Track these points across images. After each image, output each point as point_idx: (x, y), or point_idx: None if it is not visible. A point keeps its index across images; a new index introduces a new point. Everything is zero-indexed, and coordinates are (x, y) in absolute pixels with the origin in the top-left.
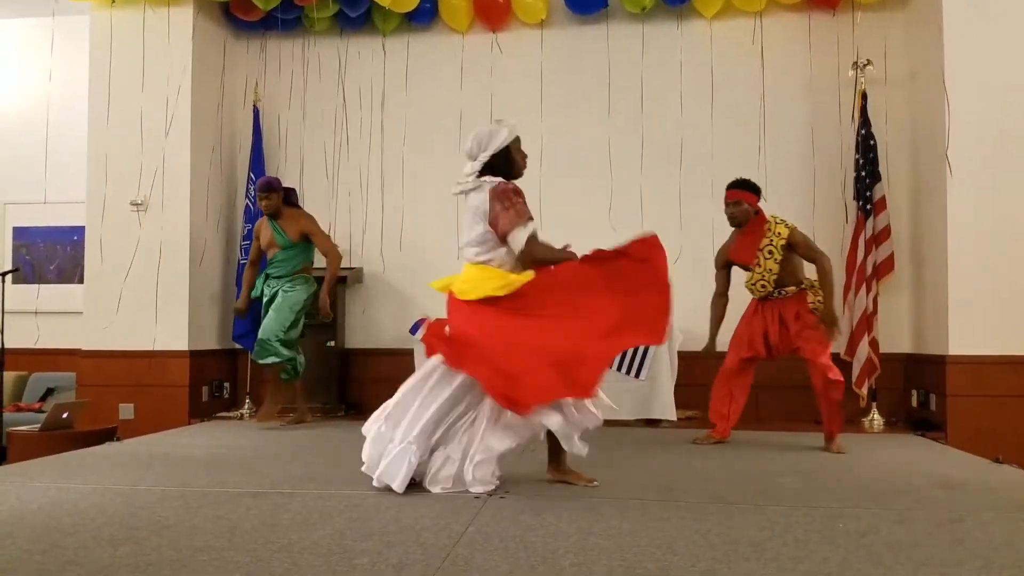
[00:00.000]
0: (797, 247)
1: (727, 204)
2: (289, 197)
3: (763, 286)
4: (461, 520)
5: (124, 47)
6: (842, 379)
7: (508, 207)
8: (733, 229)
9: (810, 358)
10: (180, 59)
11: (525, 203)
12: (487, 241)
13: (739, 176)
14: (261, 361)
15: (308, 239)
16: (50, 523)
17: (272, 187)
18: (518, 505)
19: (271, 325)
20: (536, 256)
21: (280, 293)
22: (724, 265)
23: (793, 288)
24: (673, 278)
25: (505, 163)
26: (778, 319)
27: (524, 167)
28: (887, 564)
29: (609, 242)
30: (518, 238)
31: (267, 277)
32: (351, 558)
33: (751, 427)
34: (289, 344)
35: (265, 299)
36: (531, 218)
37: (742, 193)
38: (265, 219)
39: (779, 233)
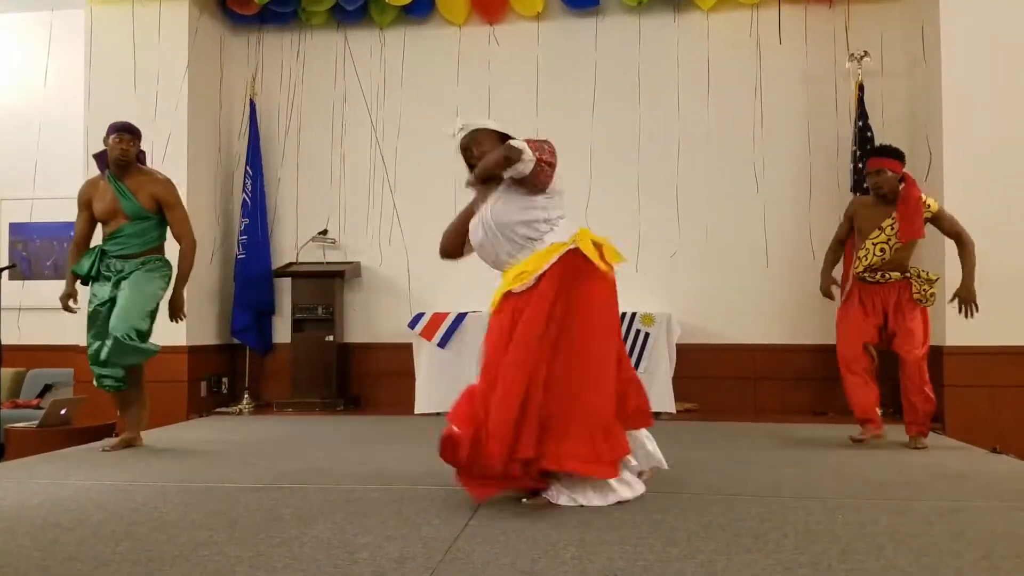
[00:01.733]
0: (943, 222)
1: (868, 174)
2: (139, 156)
3: (881, 252)
4: (462, 513)
5: (120, 42)
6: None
7: None
8: (869, 194)
9: (903, 356)
10: (176, 53)
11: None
12: None
13: (735, 165)
14: (121, 365)
15: (161, 211)
16: (49, 519)
17: (136, 131)
18: (519, 498)
19: (129, 315)
20: None
21: (136, 275)
22: (848, 221)
23: (898, 274)
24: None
25: None
26: (881, 308)
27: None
28: (887, 555)
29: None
30: None
31: (103, 254)
32: (352, 552)
33: (750, 419)
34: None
35: (106, 284)
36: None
37: (883, 160)
38: (102, 181)
39: (929, 207)
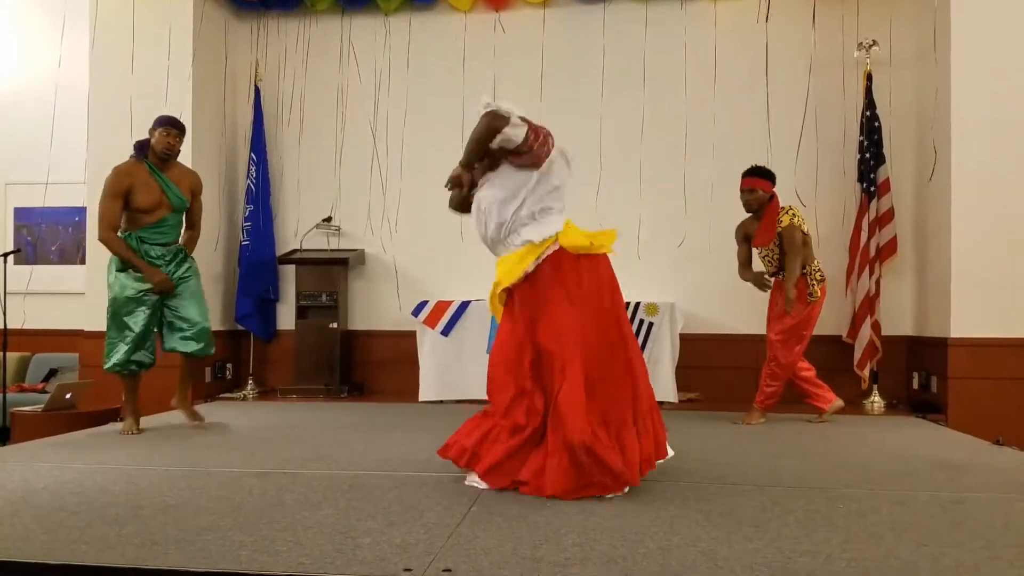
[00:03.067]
0: (782, 238)
1: (742, 191)
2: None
3: (769, 262)
4: (464, 500)
5: (126, 28)
6: (779, 363)
7: None
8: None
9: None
10: (182, 39)
11: None
12: None
13: (741, 154)
14: (208, 354)
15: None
16: (55, 502)
17: (183, 127)
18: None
19: (203, 310)
20: None
21: (190, 272)
22: (743, 240)
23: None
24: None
25: None
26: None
27: None
28: (888, 544)
29: (600, 227)
30: None
31: (141, 242)
32: (355, 537)
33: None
34: None
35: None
36: None
37: (756, 180)
38: (142, 169)
39: (781, 221)
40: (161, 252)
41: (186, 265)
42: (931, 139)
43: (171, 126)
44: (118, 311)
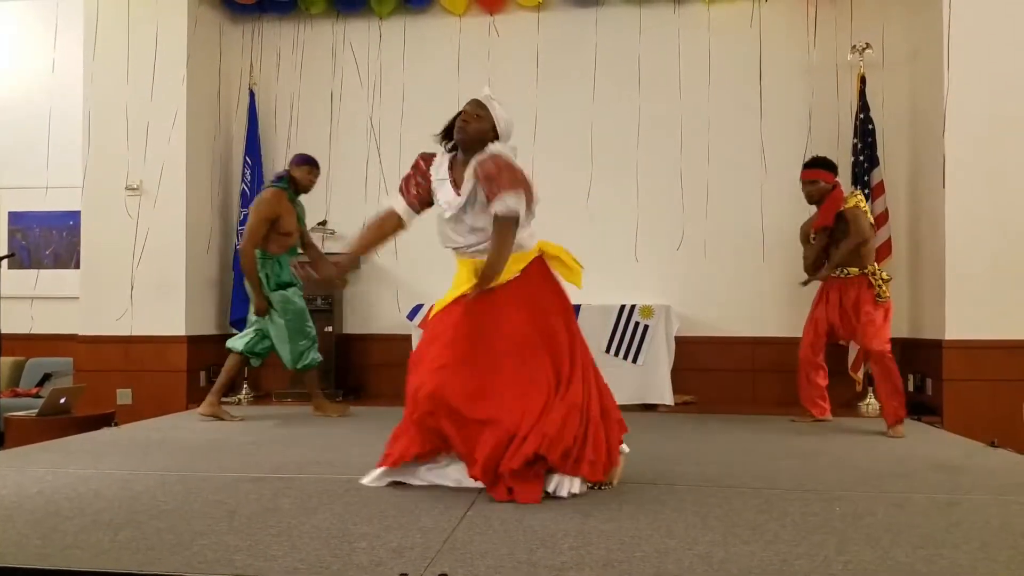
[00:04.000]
0: (845, 220)
1: (803, 184)
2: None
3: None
4: (460, 504)
5: (119, 31)
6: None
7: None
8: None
9: (866, 348)
10: (176, 42)
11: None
12: None
13: (735, 157)
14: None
15: None
16: (49, 507)
17: (317, 163)
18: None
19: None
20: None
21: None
22: (807, 240)
23: (855, 270)
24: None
25: None
26: (838, 302)
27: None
28: (884, 546)
29: (596, 230)
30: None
31: (281, 267)
32: (351, 542)
33: (748, 410)
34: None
35: (298, 289)
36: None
37: (816, 172)
38: (284, 199)
39: (847, 202)
40: (293, 274)
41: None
42: (925, 141)
43: (316, 166)
44: (302, 322)
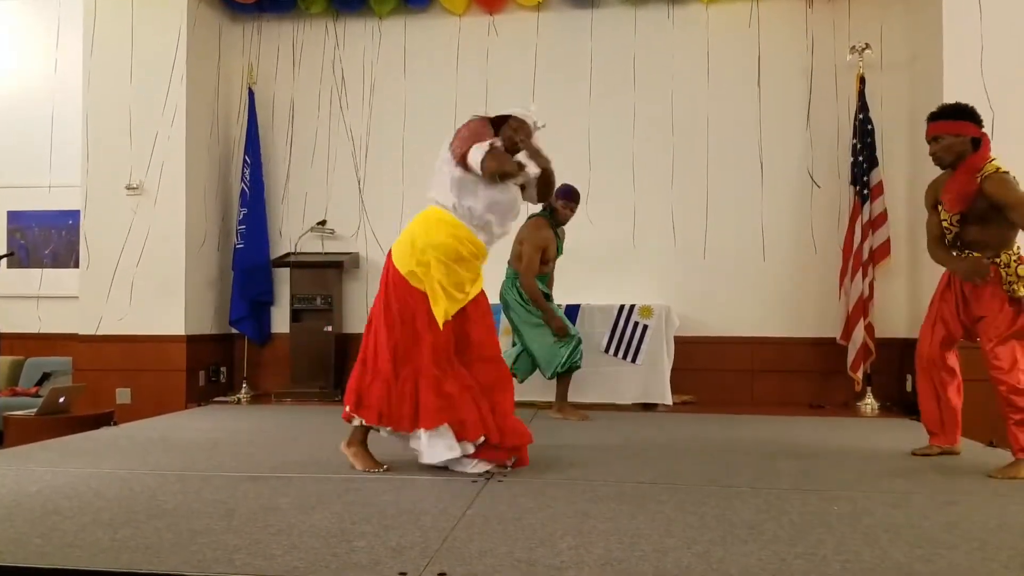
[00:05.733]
0: (988, 193)
1: (929, 143)
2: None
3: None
4: (459, 503)
5: (119, 30)
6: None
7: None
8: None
9: (984, 350)
10: (175, 42)
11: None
12: None
13: (735, 157)
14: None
15: None
16: (48, 506)
17: (575, 196)
18: (516, 488)
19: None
20: None
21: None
22: (933, 206)
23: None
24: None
25: None
26: (961, 293)
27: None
28: (882, 546)
29: (596, 229)
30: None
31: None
32: (350, 541)
33: (747, 411)
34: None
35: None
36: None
37: (944, 124)
38: (549, 227)
39: (984, 172)
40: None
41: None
42: (923, 143)
43: (576, 202)
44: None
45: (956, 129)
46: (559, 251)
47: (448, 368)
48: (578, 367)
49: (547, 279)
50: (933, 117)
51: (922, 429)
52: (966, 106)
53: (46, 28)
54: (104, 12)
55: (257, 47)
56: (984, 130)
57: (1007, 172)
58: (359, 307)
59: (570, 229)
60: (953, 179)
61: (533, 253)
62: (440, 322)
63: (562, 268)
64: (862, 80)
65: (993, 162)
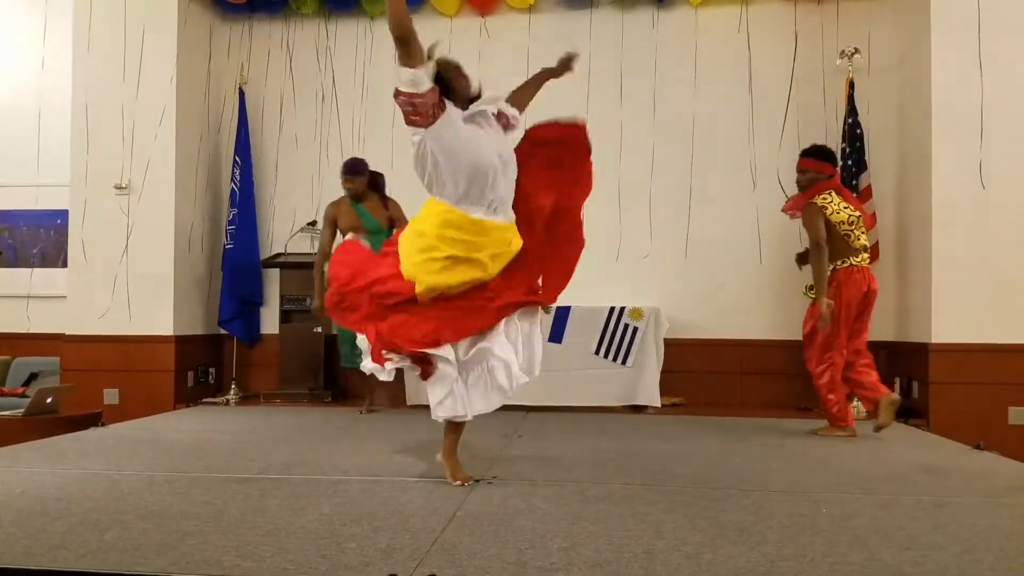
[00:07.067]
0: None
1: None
2: (377, 182)
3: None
4: (449, 504)
5: (108, 29)
6: (817, 372)
7: None
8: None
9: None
10: (165, 41)
11: None
12: None
13: (724, 161)
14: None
15: (392, 226)
16: (36, 507)
17: (358, 170)
18: (506, 490)
19: None
20: None
21: None
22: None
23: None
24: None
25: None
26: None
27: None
28: (871, 548)
29: (586, 232)
30: None
31: None
32: (339, 543)
33: (736, 413)
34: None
35: None
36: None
37: (805, 160)
38: (344, 202)
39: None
40: None
41: None
42: (912, 145)
43: (348, 172)
44: None
45: (817, 167)
46: (367, 226)
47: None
48: (351, 366)
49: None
50: (805, 154)
51: (909, 431)
52: (826, 148)
53: (33, 25)
54: (93, 10)
55: (248, 47)
56: (836, 169)
57: (820, 207)
58: None
59: None
60: (801, 196)
61: (323, 228)
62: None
63: None
64: (851, 84)
65: (820, 196)
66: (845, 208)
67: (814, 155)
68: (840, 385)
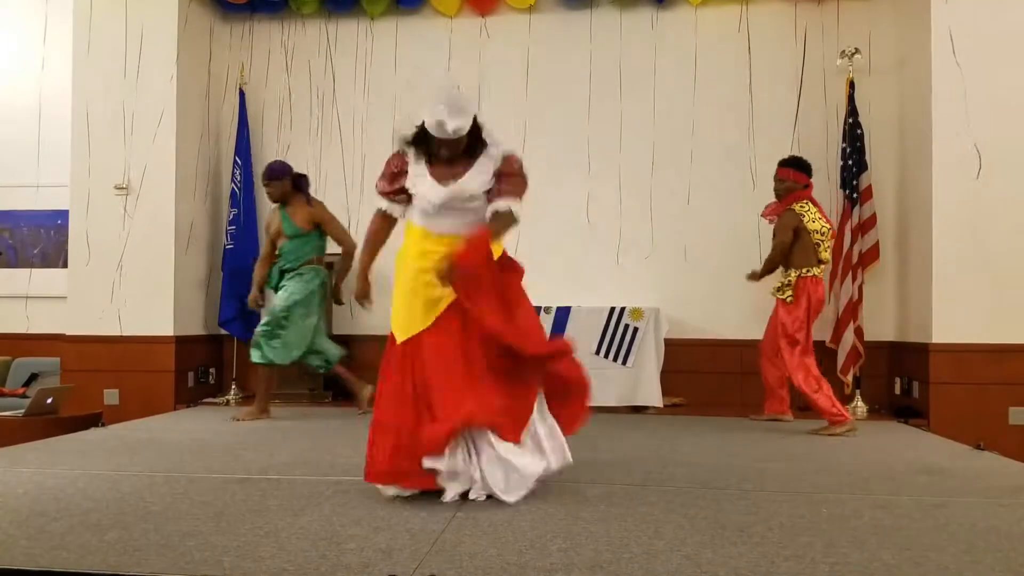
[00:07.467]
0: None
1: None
2: (299, 184)
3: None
4: (449, 505)
5: (109, 29)
6: (799, 381)
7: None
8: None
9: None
10: (165, 41)
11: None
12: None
13: (725, 161)
14: (253, 360)
15: (319, 227)
16: (36, 508)
17: (274, 173)
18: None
19: (266, 317)
20: None
21: (283, 287)
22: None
23: (780, 273)
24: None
25: None
26: None
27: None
28: (871, 548)
29: (586, 232)
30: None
31: (280, 272)
32: (339, 543)
33: (736, 413)
34: (280, 339)
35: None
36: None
37: (784, 170)
38: (276, 208)
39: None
40: (286, 276)
41: (289, 279)
42: (913, 146)
43: (264, 177)
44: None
45: (794, 176)
46: (285, 230)
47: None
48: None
49: (282, 257)
50: (783, 164)
51: (909, 431)
52: (802, 159)
53: (33, 25)
54: (94, 10)
55: (249, 47)
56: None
57: (799, 214)
58: (347, 309)
59: (565, 229)
60: (778, 205)
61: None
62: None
63: (553, 270)
64: (851, 84)
65: (799, 203)
66: (819, 219)
67: (792, 165)
68: (823, 381)
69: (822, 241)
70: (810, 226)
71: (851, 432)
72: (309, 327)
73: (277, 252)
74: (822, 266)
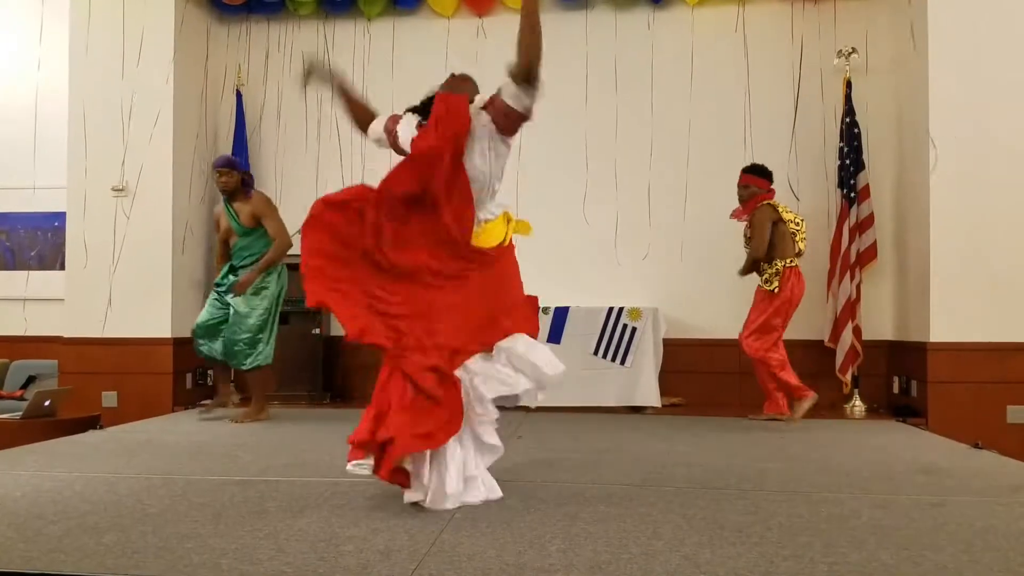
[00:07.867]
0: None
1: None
2: (247, 181)
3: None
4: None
5: (105, 29)
6: (759, 357)
7: None
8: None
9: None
10: (162, 42)
11: None
12: None
13: (723, 160)
14: (245, 368)
15: (259, 226)
16: (33, 511)
17: (230, 162)
18: (505, 491)
19: (236, 329)
20: None
21: (245, 296)
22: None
23: (766, 265)
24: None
25: None
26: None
27: None
28: (870, 548)
29: (584, 232)
30: None
31: (231, 268)
32: (337, 544)
33: (735, 413)
34: (260, 343)
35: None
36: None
37: (747, 177)
38: (221, 206)
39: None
40: (240, 274)
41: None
42: (910, 145)
43: (218, 166)
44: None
45: (757, 182)
46: (236, 229)
47: None
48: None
49: (235, 255)
50: (746, 171)
51: (907, 430)
52: (764, 167)
53: (30, 26)
54: (91, 11)
55: (245, 49)
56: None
57: (773, 207)
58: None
59: (564, 230)
60: (746, 207)
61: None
62: None
63: (552, 270)
64: (848, 84)
65: (765, 203)
66: (789, 212)
67: (754, 172)
68: (788, 364)
69: (797, 231)
70: (785, 216)
71: (814, 403)
72: (275, 320)
73: (231, 250)
74: (799, 257)
